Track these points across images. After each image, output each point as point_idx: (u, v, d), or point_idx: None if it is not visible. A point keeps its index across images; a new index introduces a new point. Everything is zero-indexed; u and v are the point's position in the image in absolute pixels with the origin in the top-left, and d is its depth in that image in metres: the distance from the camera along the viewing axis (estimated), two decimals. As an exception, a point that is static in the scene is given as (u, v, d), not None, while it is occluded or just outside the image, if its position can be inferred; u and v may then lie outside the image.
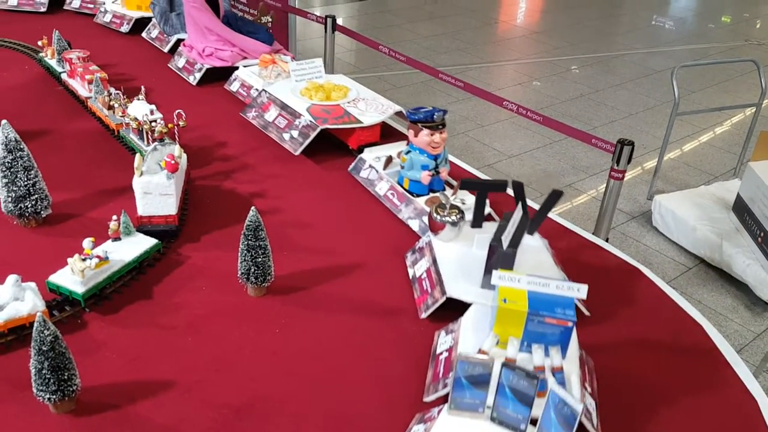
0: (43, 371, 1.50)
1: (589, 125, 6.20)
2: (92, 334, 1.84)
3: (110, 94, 2.96)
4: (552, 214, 2.59)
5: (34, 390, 1.54)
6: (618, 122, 6.36)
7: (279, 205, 2.51)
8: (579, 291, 1.60)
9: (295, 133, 2.83)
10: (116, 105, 2.89)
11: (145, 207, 2.21)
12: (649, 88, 7.23)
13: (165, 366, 1.74)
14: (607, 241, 2.67)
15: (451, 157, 2.73)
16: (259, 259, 1.94)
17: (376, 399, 1.68)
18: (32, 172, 2.19)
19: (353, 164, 2.75)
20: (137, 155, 2.24)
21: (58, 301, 1.90)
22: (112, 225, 2.09)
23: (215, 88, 3.50)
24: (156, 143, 2.35)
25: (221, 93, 3.45)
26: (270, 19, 3.89)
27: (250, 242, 1.92)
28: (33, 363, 1.51)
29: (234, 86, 3.44)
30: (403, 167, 2.45)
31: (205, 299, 2.00)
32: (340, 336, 1.89)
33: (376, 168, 2.61)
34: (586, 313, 2.00)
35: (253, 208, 1.91)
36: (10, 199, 2.19)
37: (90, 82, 3.07)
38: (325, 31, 4.32)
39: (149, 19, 4.17)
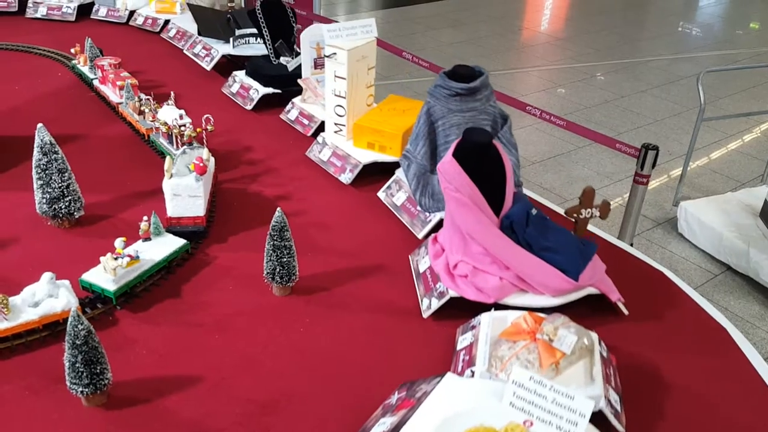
0: (77, 364, 1.55)
1: (615, 131, 6.16)
2: (123, 330, 1.89)
3: (140, 100, 3.04)
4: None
5: (68, 383, 1.58)
6: (644, 128, 6.31)
7: (303, 207, 2.55)
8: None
9: None
10: (146, 110, 2.97)
11: (174, 208, 2.26)
12: (675, 95, 7.17)
13: (193, 362, 1.79)
14: (631, 245, 2.65)
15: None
16: (285, 259, 1.97)
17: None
18: (66, 174, 2.26)
19: None
20: (167, 158, 2.29)
21: (91, 299, 1.96)
22: (143, 226, 2.14)
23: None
24: (185, 147, 2.41)
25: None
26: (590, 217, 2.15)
27: (275, 242, 1.96)
28: (67, 356, 1.56)
29: (479, 371, 1.61)
30: None
31: (232, 298, 2.04)
32: (362, 335, 1.92)
33: None
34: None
35: (278, 209, 1.95)
36: (45, 200, 2.26)
37: (121, 88, 3.16)
38: (350, 38, 4.36)
39: (386, 167, 2.71)
